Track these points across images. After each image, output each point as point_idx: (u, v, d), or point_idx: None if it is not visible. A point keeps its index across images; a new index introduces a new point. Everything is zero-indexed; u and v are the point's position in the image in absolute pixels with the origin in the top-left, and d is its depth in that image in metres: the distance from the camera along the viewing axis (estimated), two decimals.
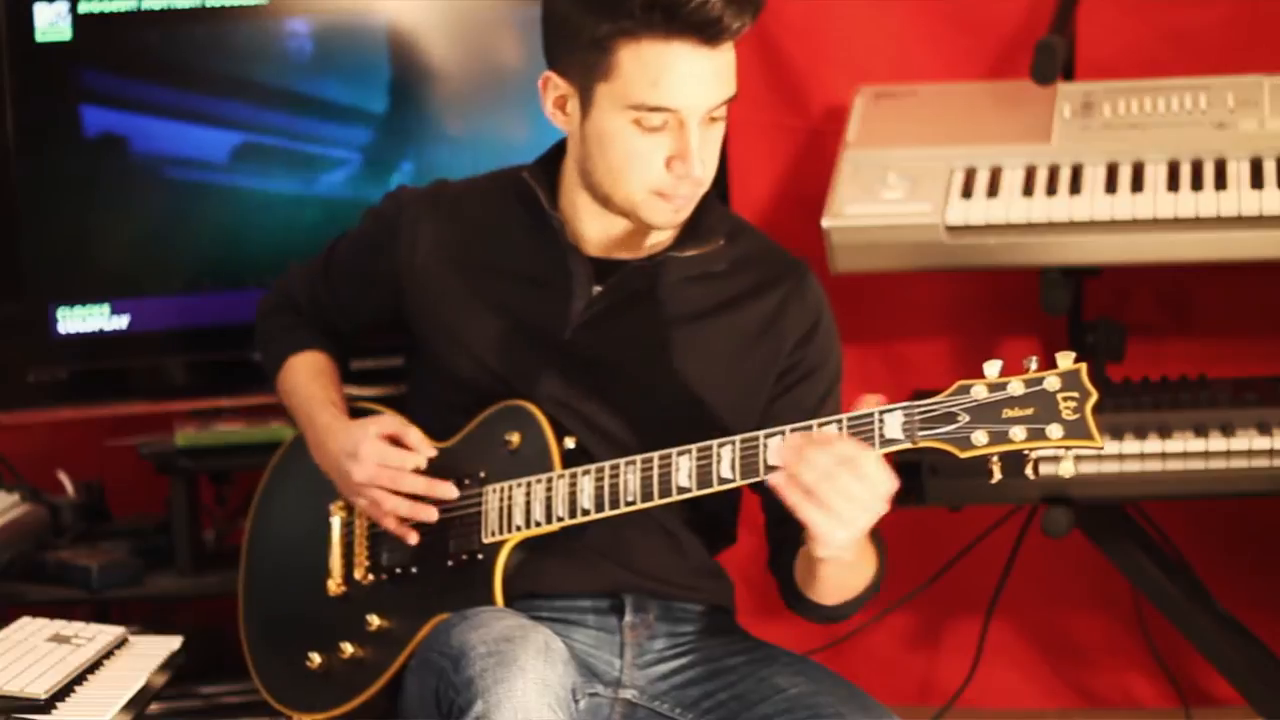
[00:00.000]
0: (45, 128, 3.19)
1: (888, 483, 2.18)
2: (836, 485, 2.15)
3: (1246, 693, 3.23)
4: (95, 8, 3.18)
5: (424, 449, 2.52)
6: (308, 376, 2.68)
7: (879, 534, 2.46)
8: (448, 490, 2.49)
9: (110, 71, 3.21)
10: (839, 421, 2.23)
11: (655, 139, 2.37)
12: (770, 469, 2.24)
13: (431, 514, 2.49)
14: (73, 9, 3.17)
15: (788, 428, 2.26)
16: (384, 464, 2.50)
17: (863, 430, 2.22)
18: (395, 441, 2.52)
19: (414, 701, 2.39)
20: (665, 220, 2.44)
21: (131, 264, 3.25)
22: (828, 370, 2.54)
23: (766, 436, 2.27)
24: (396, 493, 2.50)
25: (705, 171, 2.40)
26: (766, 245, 2.58)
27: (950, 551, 3.56)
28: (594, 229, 2.50)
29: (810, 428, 2.25)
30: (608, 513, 2.39)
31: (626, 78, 2.35)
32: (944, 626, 3.69)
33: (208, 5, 3.20)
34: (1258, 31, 3.43)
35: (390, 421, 2.55)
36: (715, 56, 2.35)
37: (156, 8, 3.19)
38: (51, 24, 3.17)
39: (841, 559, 2.27)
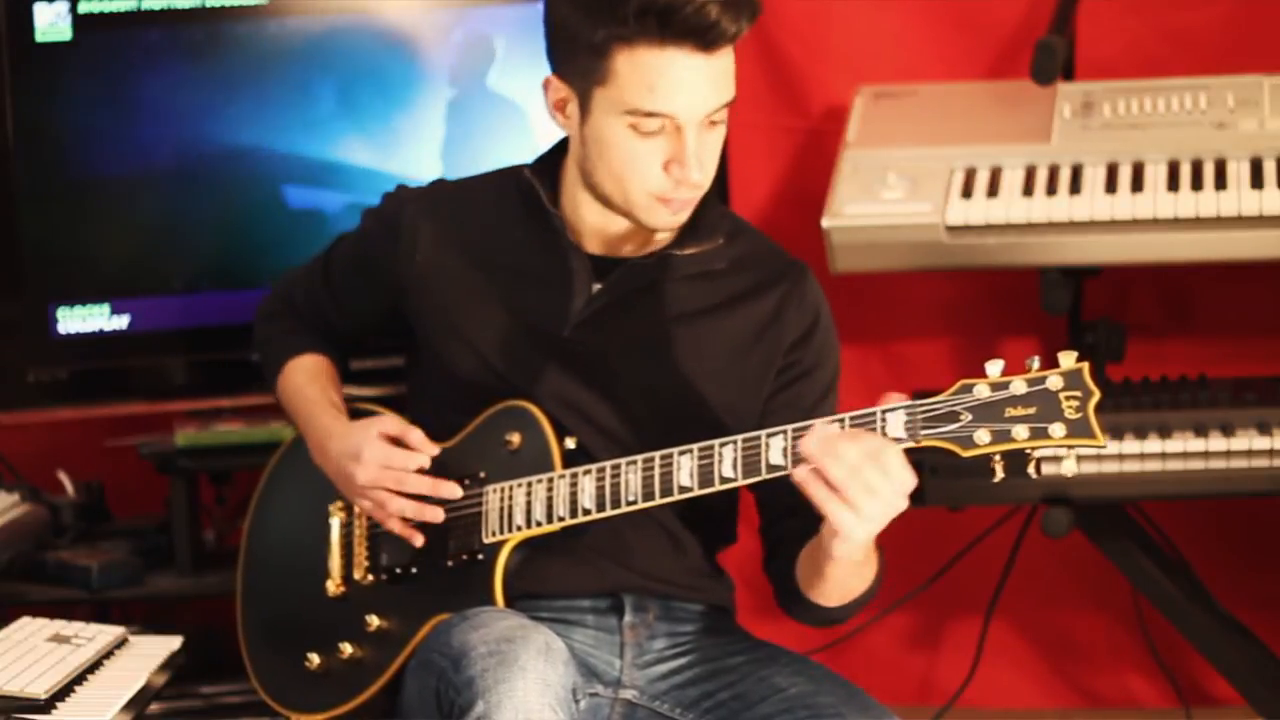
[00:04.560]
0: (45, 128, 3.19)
1: (909, 479, 2.17)
2: (862, 480, 2.14)
3: (1246, 693, 3.24)
4: (95, 8, 3.17)
5: (426, 449, 2.52)
6: (306, 379, 2.68)
7: (878, 539, 2.46)
8: (452, 490, 2.49)
9: None
10: (841, 420, 2.23)
11: (653, 143, 2.37)
12: (797, 461, 2.22)
13: (438, 514, 2.49)
14: (73, 9, 3.16)
15: (789, 427, 2.26)
16: (387, 465, 2.49)
17: (865, 429, 2.22)
18: (397, 442, 2.52)
19: (414, 702, 2.38)
20: (663, 223, 2.44)
21: (131, 264, 3.25)
22: (825, 370, 2.54)
23: (769, 436, 2.27)
24: (400, 494, 2.50)
25: (704, 175, 2.40)
26: (766, 245, 2.58)
27: (950, 551, 3.56)
28: (594, 227, 2.50)
29: (810, 426, 2.24)
30: (609, 512, 2.38)
31: (622, 83, 2.34)
32: (944, 626, 3.69)
33: (208, 5, 3.20)
34: (1258, 31, 3.43)
35: (391, 422, 2.55)
36: (712, 62, 2.34)
37: (156, 8, 3.19)
38: (51, 24, 3.16)
39: (852, 558, 2.27)
